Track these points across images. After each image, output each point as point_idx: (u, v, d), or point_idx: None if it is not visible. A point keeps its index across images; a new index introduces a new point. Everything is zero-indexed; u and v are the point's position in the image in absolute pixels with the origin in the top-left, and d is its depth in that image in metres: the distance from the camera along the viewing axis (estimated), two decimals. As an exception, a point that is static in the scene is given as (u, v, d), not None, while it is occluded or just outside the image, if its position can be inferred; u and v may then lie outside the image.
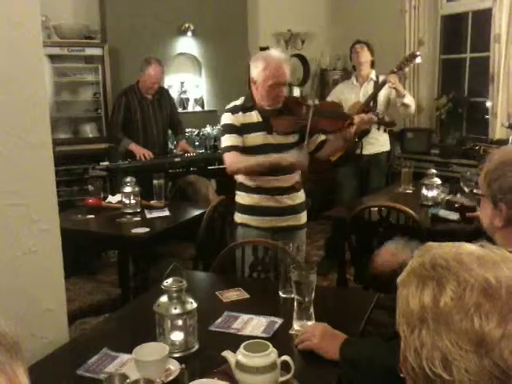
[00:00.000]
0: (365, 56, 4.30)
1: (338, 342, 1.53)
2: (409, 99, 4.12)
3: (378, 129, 3.63)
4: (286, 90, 2.65)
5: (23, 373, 0.63)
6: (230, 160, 2.64)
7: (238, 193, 2.82)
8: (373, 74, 4.32)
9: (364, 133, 3.80)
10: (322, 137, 2.74)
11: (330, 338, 1.57)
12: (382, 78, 4.18)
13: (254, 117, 2.67)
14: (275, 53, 2.64)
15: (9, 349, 0.62)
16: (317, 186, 5.44)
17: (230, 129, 2.66)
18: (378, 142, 4.32)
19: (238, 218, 2.82)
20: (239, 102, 2.71)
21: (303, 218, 2.84)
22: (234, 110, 2.68)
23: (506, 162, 1.37)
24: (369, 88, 4.26)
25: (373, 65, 4.35)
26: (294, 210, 2.76)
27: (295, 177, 2.71)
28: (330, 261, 4.29)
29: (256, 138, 2.66)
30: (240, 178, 2.77)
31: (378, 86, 4.11)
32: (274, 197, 2.70)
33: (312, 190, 5.54)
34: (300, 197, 2.81)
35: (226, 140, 2.67)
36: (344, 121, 2.65)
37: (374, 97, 4.14)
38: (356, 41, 4.40)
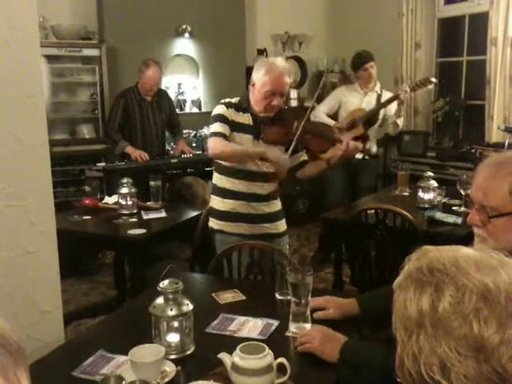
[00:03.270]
0: (375, 72, 4.37)
1: (339, 344, 1.53)
2: (401, 120, 4.23)
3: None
4: (281, 101, 2.59)
5: (26, 378, 0.63)
6: (215, 144, 2.56)
7: (212, 197, 2.74)
8: (378, 87, 4.38)
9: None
10: (305, 157, 2.67)
11: (330, 341, 1.56)
12: (385, 94, 4.23)
13: (246, 119, 2.63)
14: (280, 62, 2.59)
15: (12, 353, 0.62)
16: (310, 186, 5.45)
17: (220, 118, 2.59)
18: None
19: (214, 223, 2.71)
20: (234, 100, 2.67)
21: (281, 226, 2.75)
22: (227, 105, 2.63)
23: None
24: (372, 98, 4.31)
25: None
26: (269, 217, 2.69)
27: (274, 185, 2.65)
28: (324, 253, 4.47)
29: (242, 140, 2.60)
30: (216, 179, 2.70)
31: (386, 102, 4.11)
32: (250, 203, 2.64)
33: (309, 190, 5.59)
34: (276, 204, 2.75)
35: (215, 127, 2.59)
36: (332, 144, 2.60)
37: (377, 112, 4.16)
38: (363, 56, 4.35)
